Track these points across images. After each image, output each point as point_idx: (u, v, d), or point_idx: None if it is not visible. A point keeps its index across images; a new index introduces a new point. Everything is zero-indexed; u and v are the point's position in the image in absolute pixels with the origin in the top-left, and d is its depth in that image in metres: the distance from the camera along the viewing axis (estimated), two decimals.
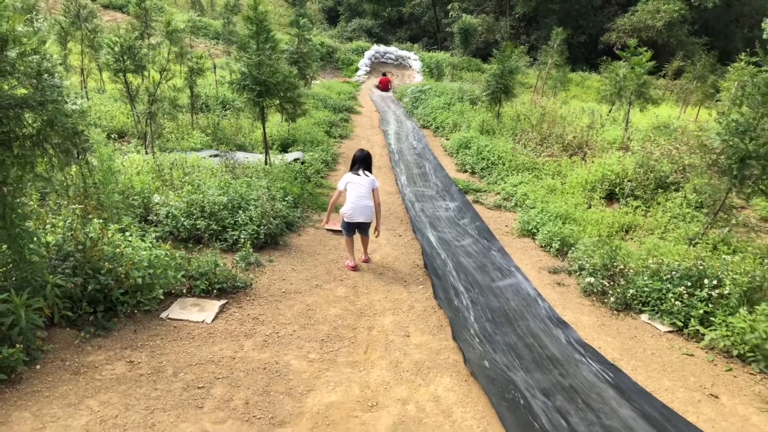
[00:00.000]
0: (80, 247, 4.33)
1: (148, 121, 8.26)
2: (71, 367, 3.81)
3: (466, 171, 12.26)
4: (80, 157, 4.83)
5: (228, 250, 6.38)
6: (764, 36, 14.96)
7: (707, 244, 6.54)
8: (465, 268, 6.69)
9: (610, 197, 9.35)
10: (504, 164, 11.42)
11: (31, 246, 3.84)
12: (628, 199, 8.82)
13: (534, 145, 12.57)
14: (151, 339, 4.36)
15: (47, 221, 4.60)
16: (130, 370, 3.88)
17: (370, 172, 6.37)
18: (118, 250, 4.58)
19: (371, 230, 6.50)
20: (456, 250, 7.36)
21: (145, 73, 9.10)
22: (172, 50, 8.34)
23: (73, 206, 4.72)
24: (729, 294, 5.06)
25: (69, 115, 3.93)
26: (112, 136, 10.69)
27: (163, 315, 4.76)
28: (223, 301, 5.15)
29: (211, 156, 9.52)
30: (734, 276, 5.25)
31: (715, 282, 5.25)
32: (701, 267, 5.46)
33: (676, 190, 8.75)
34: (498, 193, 10.23)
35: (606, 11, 36.67)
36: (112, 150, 5.74)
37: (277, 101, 9.11)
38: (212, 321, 4.80)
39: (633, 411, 3.61)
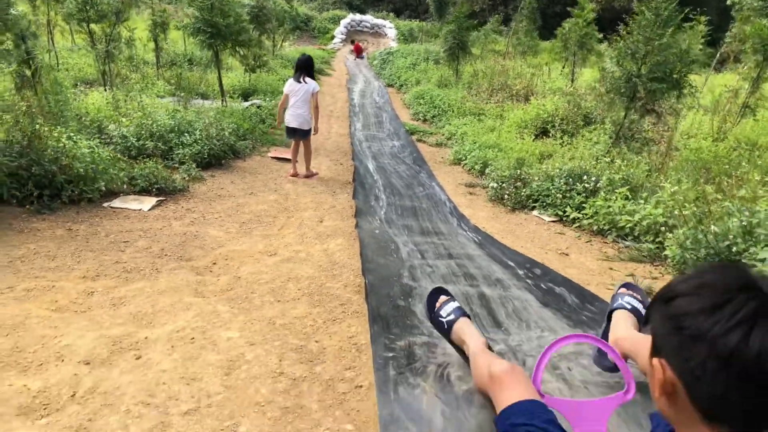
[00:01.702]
0: (26, 137, 4.99)
1: (106, 60, 8.85)
2: (17, 228, 4.50)
3: (419, 119, 12.95)
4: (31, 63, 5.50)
5: (174, 168, 7.03)
6: (728, 2, 15.56)
7: (608, 160, 7.30)
8: (392, 185, 7.42)
9: (544, 134, 10.07)
10: (453, 111, 12.13)
11: None
12: (558, 134, 9.55)
13: (485, 95, 13.26)
14: (91, 218, 5.04)
15: None
16: (68, 232, 4.58)
17: (312, 77, 7.18)
18: (61, 144, 5.24)
19: (312, 132, 7.33)
20: (389, 174, 8.09)
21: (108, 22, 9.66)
22: None
23: (20, 103, 5.36)
24: (600, 187, 5.83)
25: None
26: (78, 84, 11.24)
27: (105, 204, 5.44)
28: (161, 198, 5.84)
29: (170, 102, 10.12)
30: (611, 175, 6.01)
31: (593, 179, 6.00)
32: (583, 168, 6.22)
33: (602, 124, 9.49)
34: (442, 134, 10.95)
35: None
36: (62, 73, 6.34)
37: (230, 44, 9.70)
38: (149, 210, 5.49)
39: (481, 251, 4.38)
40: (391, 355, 2.04)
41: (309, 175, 7.44)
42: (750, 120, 8.90)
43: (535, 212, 6.19)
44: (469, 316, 2.14)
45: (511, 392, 1.43)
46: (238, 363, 2.06)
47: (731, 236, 3.59)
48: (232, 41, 9.61)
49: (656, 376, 0.89)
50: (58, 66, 12.13)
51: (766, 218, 3.44)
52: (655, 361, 0.90)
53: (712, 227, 3.67)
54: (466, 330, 2.03)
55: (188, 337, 2.31)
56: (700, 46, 17.83)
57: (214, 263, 4.06)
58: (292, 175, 7.41)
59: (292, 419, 1.74)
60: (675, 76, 6.87)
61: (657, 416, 1.19)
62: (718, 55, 14.82)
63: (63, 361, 2.16)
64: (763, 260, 3.07)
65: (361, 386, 1.93)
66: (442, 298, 2.25)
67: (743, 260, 3.31)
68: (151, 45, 13.00)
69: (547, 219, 5.95)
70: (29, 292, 3.05)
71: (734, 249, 3.54)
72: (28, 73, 6.51)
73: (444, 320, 2.09)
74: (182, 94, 10.77)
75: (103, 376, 2.02)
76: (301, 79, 7.04)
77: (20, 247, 4.05)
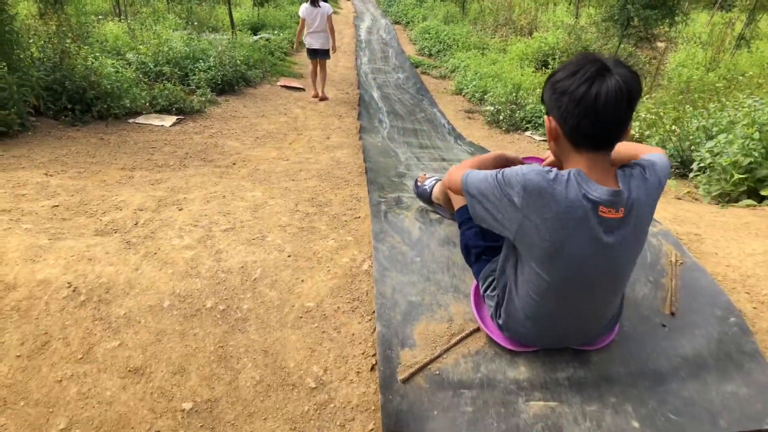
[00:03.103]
0: (57, 54, 5.44)
1: None
2: (55, 135, 5.01)
3: (424, 54, 13.19)
4: None
5: (191, 92, 7.47)
6: None
7: None
8: (395, 111, 7.84)
9: (545, 66, 10.36)
10: (458, 45, 12.36)
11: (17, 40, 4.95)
12: (558, 65, 9.83)
13: (490, 30, 13.43)
14: (120, 131, 5.54)
15: (31, 35, 5.68)
16: (101, 140, 5.09)
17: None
18: (89, 62, 5.68)
19: (331, 52, 7.97)
20: (393, 102, 8.48)
21: None
22: None
23: (50, 23, 5.79)
24: None
25: None
26: (92, 17, 11.53)
27: (130, 121, 5.93)
28: (180, 117, 6.32)
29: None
30: None
31: None
32: None
33: None
34: (446, 68, 11.25)
35: None
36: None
37: None
38: (170, 126, 5.98)
39: (469, 155, 4.87)
40: (383, 200, 2.57)
41: (323, 98, 8.10)
42: (744, 51, 9.15)
43: (527, 133, 6.63)
44: None
45: None
46: (263, 206, 2.59)
47: (691, 137, 4.05)
48: None
49: (547, 128, 1.44)
50: None
51: (719, 118, 3.89)
52: (546, 118, 1.44)
53: (675, 129, 4.12)
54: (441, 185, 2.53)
55: (220, 196, 2.84)
56: None
57: (234, 163, 4.58)
58: (314, 96, 8.09)
59: (307, 234, 2.28)
60: (669, 3, 7.13)
61: None
62: None
63: (121, 210, 2.70)
64: (711, 149, 3.54)
65: (359, 217, 2.45)
66: (424, 175, 2.74)
67: (699, 153, 3.76)
68: None
69: (538, 138, 6.40)
70: (81, 174, 3.59)
71: (692, 147, 4.00)
72: None
73: (427, 186, 2.58)
74: (195, 23, 11.10)
75: (156, 215, 2.57)
76: (316, 4, 7.51)
77: (62, 149, 4.57)
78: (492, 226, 1.50)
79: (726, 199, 3.36)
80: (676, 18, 7.19)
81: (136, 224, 2.42)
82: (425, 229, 2.22)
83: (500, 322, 1.70)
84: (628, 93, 1.29)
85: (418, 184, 2.52)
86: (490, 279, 1.75)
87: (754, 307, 1.86)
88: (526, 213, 1.39)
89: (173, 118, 6.18)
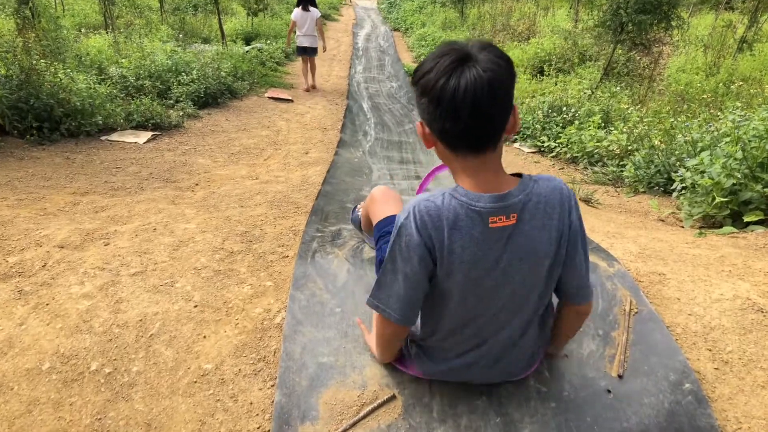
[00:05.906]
0: (24, 71, 5.27)
1: (107, 2, 9.03)
2: (17, 156, 4.83)
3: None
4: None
5: (172, 107, 7.29)
6: None
7: (589, 93, 7.39)
8: (384, 122, 7.62)
9: (541, 73, 10.09)
10: None
11: None
12: (553, 72, 9.58)
13: (488, 36, 13.19)
14: (89, 149, 5.36)
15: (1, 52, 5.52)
16: (66, 161, 4.90)
17: (315, 6, 8.64)
18: (57, 78, 5.51)
19: (319, 50, 8.98)
20: (383, 112, 8.27)
21: None
22: None
23: (18, 39, 5.63)
24: (577, 117, 5.98)
25: None
26: (82, 29, 11.44)
27: (103, 138, 5.75)
28: (156, 133, 6.13)
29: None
30: (590, 107, 6.14)
31: (572, 110, 6.14)
32: (564, 100, 6.35)
33: (597, 61, 9.49)
34: None
35: None
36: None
37: None
38: (144, 143, 5.79)
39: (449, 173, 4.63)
40: (319, 235, 2.34)
41: (314, 86, 9.15)
42: (747, 54, 8.84)
43: (516, 144, 6.38)
44: None
45: (383, 206, 1.78)
46: (187, 242, 2.38)
47: (677, 152, 3.79)
48: None
49: (420, 134, 1.25)
50: (63, 12, 12.31)
51: (703, 132, 3.62)
52: (417, 123, 1.25)
53: (660, 144, 3.86)
54: None
55: (151, 229, 2.63)
56: None
57: (197, 184, 4.37)
58: (306, 90, 9.00)
59: (222, 278, 2.05)
60: (664, 8, 6.85)
61: None
62: None
63: (41, 246, 2.49)
64: (688, 167, 3.28)
65: (287, 256, 2.23)
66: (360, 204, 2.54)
67: (679, 172, 3.50)
68: None
69: (527, 150, 6.14)
70: (21, 201, 3.39)
71: (678, 163, 3.74)
72: (28, 13, 6.75)
73: (358, 212, 2.37)
74: (181, 35, 10.96)
75: (72, 254, 2.35)
76: (306, 8, 8.41)
77: (19, 171, 4.39)
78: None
79: (711, 221, 3.09)
80: (672, 23, 6.91)
81: (43, 266, 2.21)
82: (353, 272, 1.99)
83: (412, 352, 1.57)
84: (488, 82, 1.07)
85: (357, 209, 2.33)
86: None
87: (716, 368, 1.61)
88: (425, 241, 1.22)
89: (148, 134, 6.00)
